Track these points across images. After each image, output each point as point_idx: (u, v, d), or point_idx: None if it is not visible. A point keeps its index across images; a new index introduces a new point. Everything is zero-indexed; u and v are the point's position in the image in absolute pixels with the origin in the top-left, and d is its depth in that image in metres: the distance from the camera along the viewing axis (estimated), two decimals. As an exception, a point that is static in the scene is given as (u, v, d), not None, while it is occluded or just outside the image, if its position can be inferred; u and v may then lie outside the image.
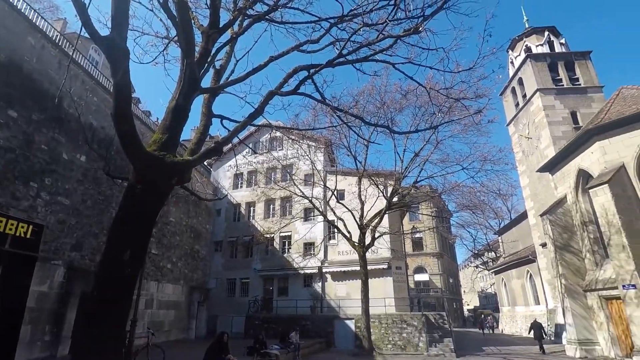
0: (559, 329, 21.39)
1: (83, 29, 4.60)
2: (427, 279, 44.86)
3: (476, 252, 52.22)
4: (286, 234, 26.45)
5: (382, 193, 20.20)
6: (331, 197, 21.97)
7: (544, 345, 18.25)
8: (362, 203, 20.16)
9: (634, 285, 13.15)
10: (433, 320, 21.14)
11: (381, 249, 22.63)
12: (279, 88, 6.46)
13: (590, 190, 15.62)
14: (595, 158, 15.91)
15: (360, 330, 19.37)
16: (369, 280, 19.78)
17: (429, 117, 17.47)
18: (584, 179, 17.09)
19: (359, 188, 20.47)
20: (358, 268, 19.87)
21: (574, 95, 24.57)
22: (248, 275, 26.91)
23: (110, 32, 4.73)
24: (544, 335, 18.98)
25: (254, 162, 27.89)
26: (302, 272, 25.32)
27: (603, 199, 14.60)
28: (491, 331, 32.72)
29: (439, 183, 21.12)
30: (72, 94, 14.15)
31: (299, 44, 7.15)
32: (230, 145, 13.24)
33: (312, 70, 6.24)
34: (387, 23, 5.57)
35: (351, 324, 21.12)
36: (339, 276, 24.48)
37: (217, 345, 10.14)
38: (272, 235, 25.15)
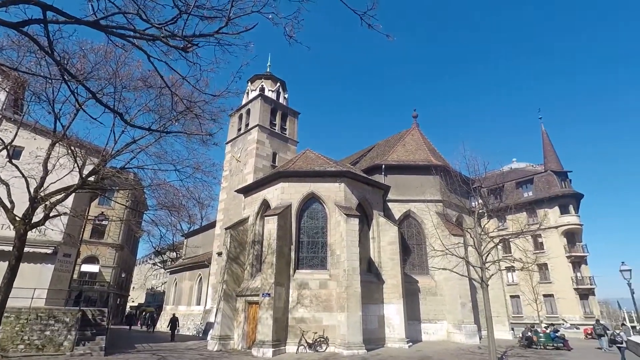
0: (209, 327, 24.71)
1: None
2: (97, 270, 40.76)
3: (159, 250, 52.66)
4: None
5: (79, 168, 17.37)
6: (0, 151, 16.70)
7: (185, 342, 22.20)
8: (46, 172, 16.47)
9: (269, 294, 17.40)
10: (90, 317, 19.43)
11: (52, 231, 18.96)
12: (-11, 9, 4.76)
13: (265, 217, 19.76)
14: (277, 194, 20.43)
15: (-18, 327, 15.09)
16: (22, 264, 16.02)
17: (165, 117, 16.83)
18: (265, 208, 21.43)
19: (48, 153, 16.71)
20: (9, 248, 15.74)
21: (279, 141, 30.85)
22: None
23: None
24: (177, 328, 25.15)
25: None
26: None
27: (271, 226, 18.82)
28: (151, 329, 33.13)
29: (146, 176, 20.36)
30: None
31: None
32: None
33: (50, 15, 4.99)
34: (162, 28, 5.42)
35: (-31, 318, 16.03)
36: (-29, 255, 18.32)
37: None
38: None
